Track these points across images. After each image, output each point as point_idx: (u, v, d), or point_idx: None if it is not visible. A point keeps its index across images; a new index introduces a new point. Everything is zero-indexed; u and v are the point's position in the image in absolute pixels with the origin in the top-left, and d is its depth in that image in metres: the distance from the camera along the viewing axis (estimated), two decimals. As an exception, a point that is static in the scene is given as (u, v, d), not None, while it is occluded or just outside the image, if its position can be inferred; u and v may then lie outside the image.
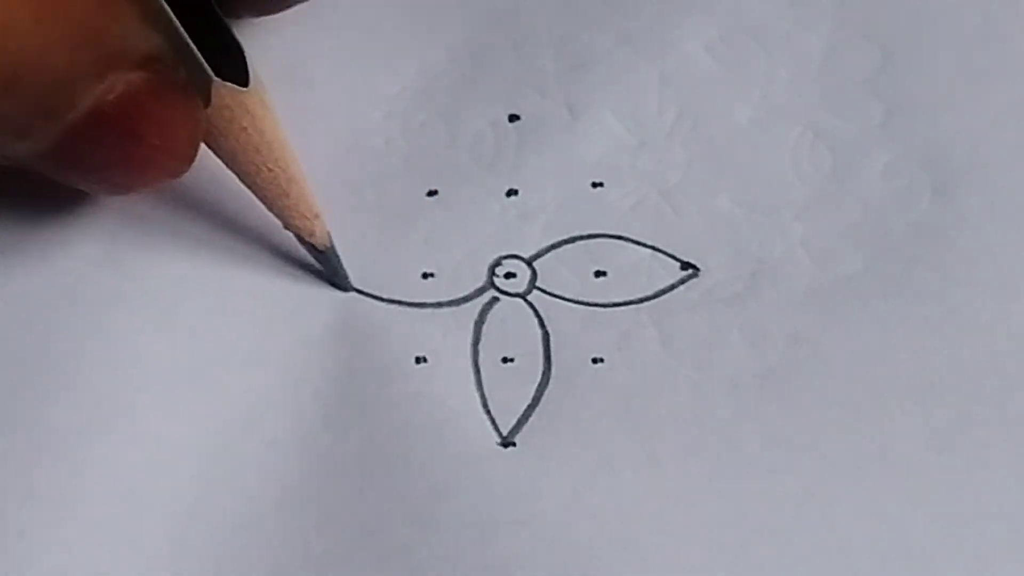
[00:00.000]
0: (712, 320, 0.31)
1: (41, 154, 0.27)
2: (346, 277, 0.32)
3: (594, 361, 0.31)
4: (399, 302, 0.32)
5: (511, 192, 0.33)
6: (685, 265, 0.32)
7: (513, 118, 0.33)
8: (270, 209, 0.30)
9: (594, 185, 0.33)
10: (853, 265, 0.32)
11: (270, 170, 0.30)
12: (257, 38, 0.33)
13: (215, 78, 0.28)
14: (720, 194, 0.33)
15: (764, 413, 0.30)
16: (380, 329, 0.31)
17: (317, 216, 0.31)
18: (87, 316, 0.31)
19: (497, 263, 0.32)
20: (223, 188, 0.31)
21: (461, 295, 0.32)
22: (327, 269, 0.31)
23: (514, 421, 0.30)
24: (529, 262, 0.32)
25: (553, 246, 0.32)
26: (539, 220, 0.32)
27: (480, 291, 0.32)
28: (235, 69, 0.28)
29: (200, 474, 0.29)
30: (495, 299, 0.32)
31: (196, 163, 0.30)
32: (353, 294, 0.32)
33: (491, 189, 0.33)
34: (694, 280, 0.32)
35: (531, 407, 0.30)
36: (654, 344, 0.31)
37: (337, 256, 0.31)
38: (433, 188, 0.33)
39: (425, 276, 0.32)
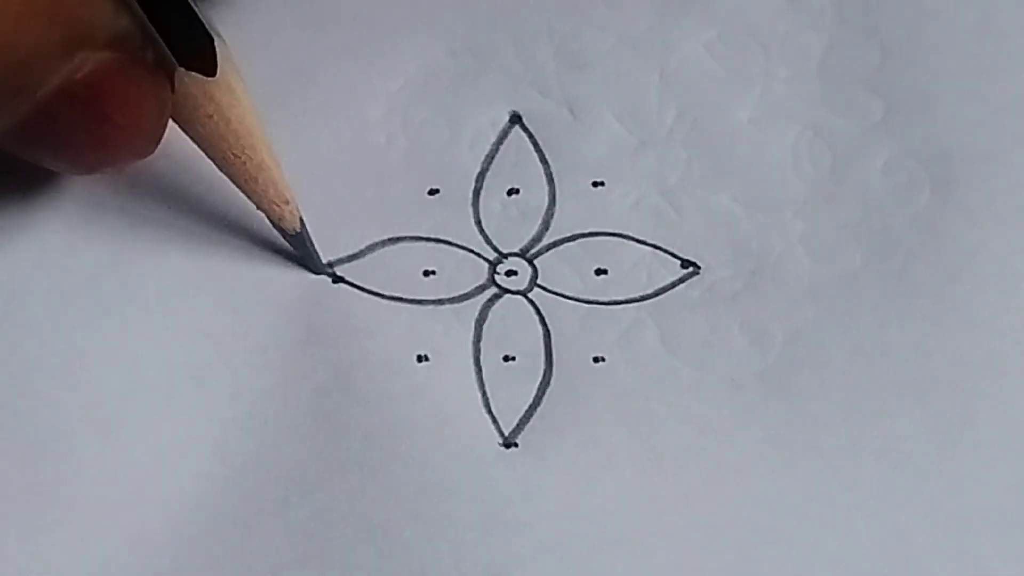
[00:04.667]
0: (712, 318, 0.31)
1: (9, 131, 0.28)
2: (319, 260, 0.32)
3: (595, 360, 0.31)
4: (400, 299, 0.32)
5: (512, 191, 0.33)
6: (686, 263, 0.32)
7: (514, 117, 0.33)
8: (242, 192, 0.31)
9: (595, 184, 0.33)
10: (853, 262, 0.32)
11: (236, 156, 0.30)
12: (258, 34, 0.34)
13: (178, 67, 0.28)
14: (720, 192, 0.33)
15: (764, 412, 0.30)
16: (381, 326, 0.31)
17: (287, 202, 0.31)
18: (88, 317, 0.31)
19: (498, 261, 0.32)
20: (224, 190, 0.32)
21: (462, 292, 0.32)
22: (298, 251, 0.32)
23: (516, 422, 0.30)
24: (530, 260, 0.32)
25: (554, 244, 0.32)
26: (540, 219, 0.32)
27: (481, 288, 0.32)
28: (202, 56, 0.29)
29: (200, 472, 0.30)
30: (496, 296, 0.32)
31: (195, 166, 0.31)
32: (355, 290, 0.32)
33: (492, 188, 0.33)
34: (695, 278, 0.32)
35: (533, 407, 0.30)
36: (655, 342, 0.31)
37: (309, 240, 0.31)
38: (435, 187, 0.33)
39: (426, 273, 0.32)
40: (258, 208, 0.31)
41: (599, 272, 0.32)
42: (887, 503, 0.29)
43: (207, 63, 0.29)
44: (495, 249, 0.32)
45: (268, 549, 0.29)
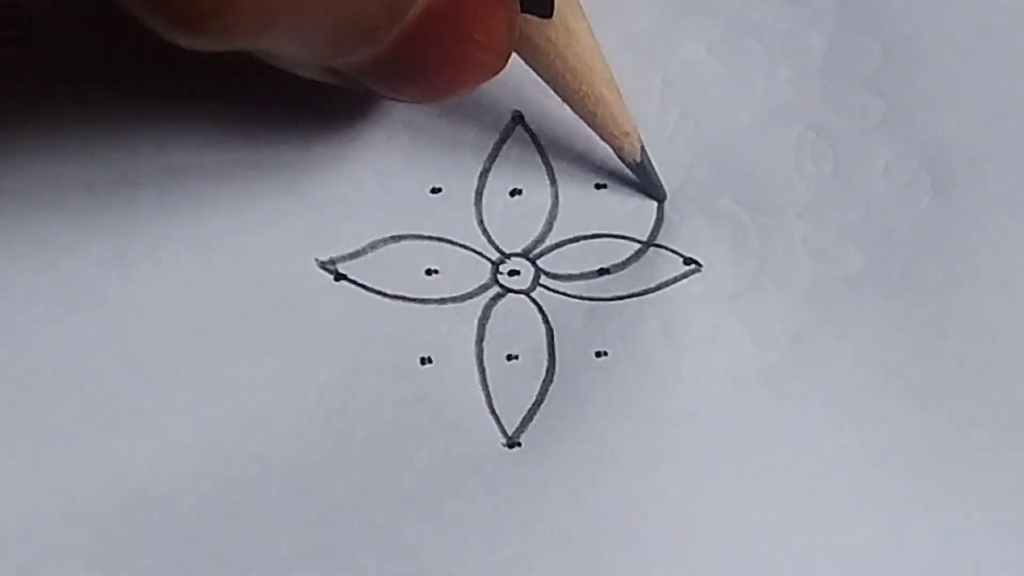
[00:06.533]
0: (714, 315, 0.31)
1: (376, 59, 0.28)
2: (661, 188, 0.33)
3: (597, 355, 0.31)
4: (403, 298, 0.32)
5: (515, 192, 0.33)
6: (688, 260, 0.32)
7: (516, 117, 0.33)
8: (585, 124, 0.32)
9: (597, 187, 0.33)
10: (854, 263, 0.32)
11: (575, 92, 0.31)
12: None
13: (517, 11, 0.29)
14: (722, 194, 0.33)
15: (766, 409, 0.30)
16: (384, 325, 0.31)
17: (627, 134, 0.32)
18: (93, 317, 0.31)
19: (501, 260, 0.32)
20: (229, 184, 0.32)
21: (465, 291, 0.32)
22: (641, 181, 0.33)
23: (519, 421, 0.30)
24: (533, 260, 0.32)
25: (557, 244, 0.32)
26: (542, 220, 0.33)
27: (483, 288, 0.32)
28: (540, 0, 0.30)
29: (201, 472, 0.29)
30: (499, 296, 0.32)
31: (202, 164, 0.31)
32: (357, 288, 0.32)
33: (494, 188, 0.33)
34: (696, 275, 0.32)
35: (536, 405, 0.30)
36: (657, 336, 0.31)
37: (650, 169, 0.33)
38: (436, 186, 0.33)
39: (429, 272, 0.32)
40: (601, 139, 0.32)
41: (602, 272, 0.32)
42: (888, 506, 0.29)
43: (544, 5, 0.30)
44: (497, 249, 0.32)
45: (269, 550, 0.29)
